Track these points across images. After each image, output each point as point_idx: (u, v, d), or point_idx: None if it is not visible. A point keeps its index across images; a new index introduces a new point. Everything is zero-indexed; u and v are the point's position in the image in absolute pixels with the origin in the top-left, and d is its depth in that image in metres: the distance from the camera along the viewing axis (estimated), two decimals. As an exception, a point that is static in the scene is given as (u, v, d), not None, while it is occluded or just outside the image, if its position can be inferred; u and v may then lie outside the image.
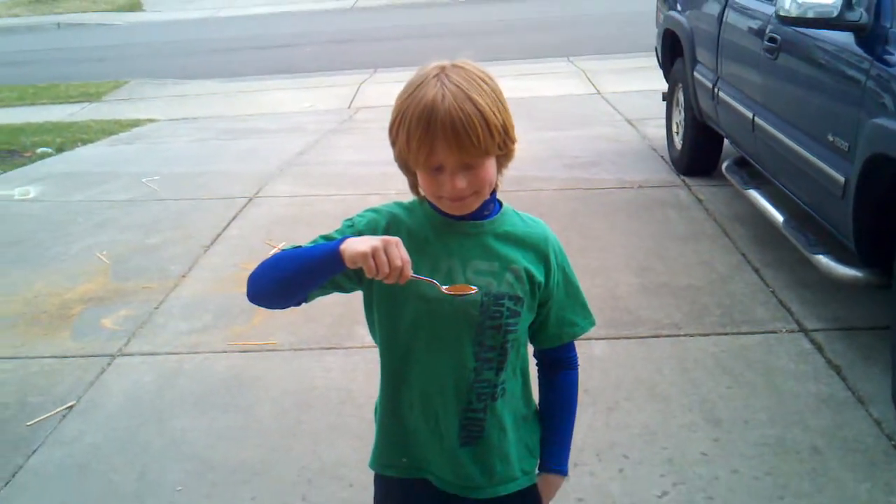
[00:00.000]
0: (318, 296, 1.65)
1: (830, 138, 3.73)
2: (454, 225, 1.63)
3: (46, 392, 3.76)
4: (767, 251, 4.82)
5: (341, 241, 1.48)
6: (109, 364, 3.98)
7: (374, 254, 1.43)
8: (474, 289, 1.57)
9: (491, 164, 1.55)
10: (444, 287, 1.56)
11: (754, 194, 4.90)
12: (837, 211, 3.72)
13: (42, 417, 3.56)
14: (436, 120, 1.47)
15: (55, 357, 4.07)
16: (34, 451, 3.34)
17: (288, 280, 1.58)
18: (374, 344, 1.74)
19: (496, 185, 1.63)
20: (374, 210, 1.67)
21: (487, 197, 1.61)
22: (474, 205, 1.60)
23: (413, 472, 1.75)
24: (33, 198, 6.80)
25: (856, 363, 3.64)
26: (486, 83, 1.53)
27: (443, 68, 1.53)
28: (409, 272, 1.47)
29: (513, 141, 1.57)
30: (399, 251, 1.45)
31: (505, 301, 1.62)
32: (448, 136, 1.47)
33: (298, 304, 1.63)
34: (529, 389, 1.79)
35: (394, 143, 1.58)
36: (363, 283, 1.66)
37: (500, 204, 1.69)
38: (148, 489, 3.08)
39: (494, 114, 1.50)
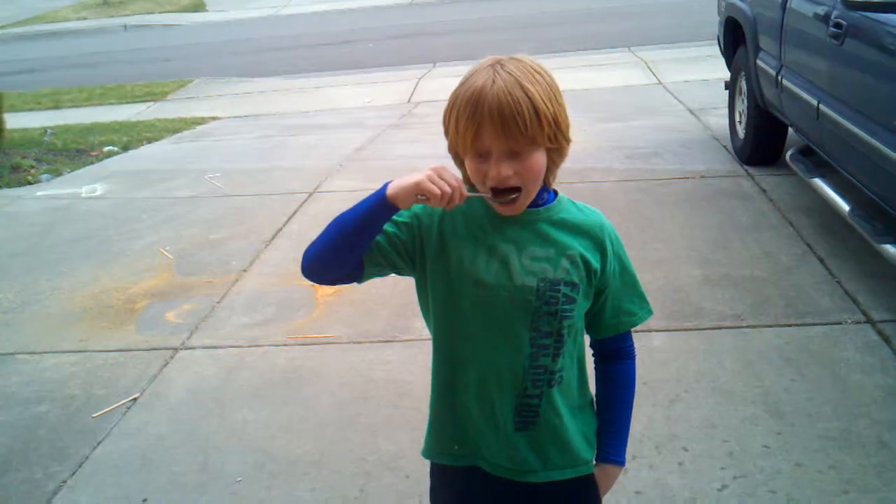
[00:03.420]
0: (374, 275, 1.66)
1: (898, 124, 3.63)
2: None
3: (111, 384, 3.84)
4: (833, 241, 4.72)
5: (385, 186, 1.51)
6: (172, 357, 4.05)
7: (430, 180, 1.47)
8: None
9: (539, 155, 1.54)
10: (494, 202, 1.58)
11: (819, 183, 4.79)
12: (905, 199, 3.62)
13: (107, 409, 3.64)
14: (483, 103, 1.48)
15: (120, 350, 4.16)
16: (100, 441, 3.42)
17: (338, 238, 1.59)
18: (430, 335, 1.74)
19: (550, 180, 1.64)
20: None
21: (533, 195, 1.60)
22: (522, 206, 1.60)
23: (464, 459, 1.75)
24: (100, 195, 6.96)
25: (925, 355, 3.54)
26: (540, 75, 1.53)
27: (499, 60, 1.55)
28: (465, 190, 1.51)
29: (566, 137, 1.57)
30: (451, 172, 1.50)
31: (561, 287, 1.61)
32: (494, 119, 1.48)
33: (351, 277, 1.64)
34: (586, 379, 1.77)
35: (446, 132, 1.60)
36: (416, 268, 1.66)
37: (556, 193, 1.69)
38: (209, 480, 3.13)
39: (545, 104, 1.50)
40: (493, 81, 1.49)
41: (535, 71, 1.53)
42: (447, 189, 1.47)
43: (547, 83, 1.53)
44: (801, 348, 3.67)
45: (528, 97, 1.48)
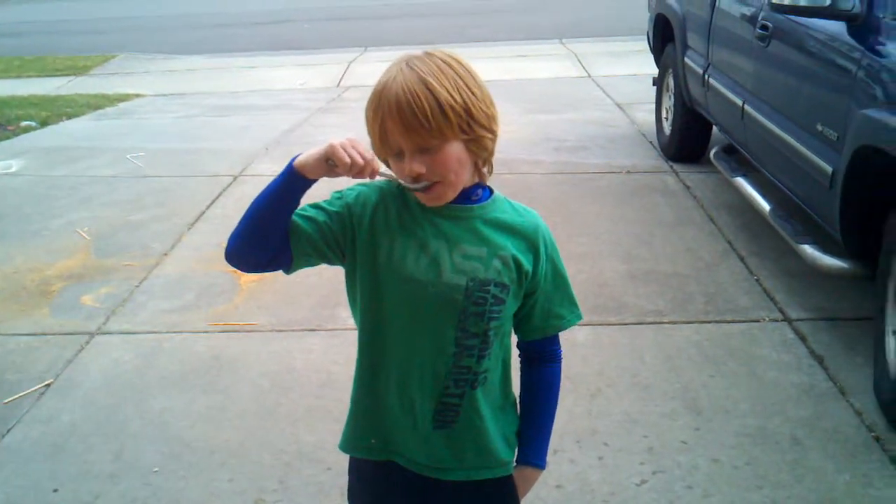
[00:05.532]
0: (302, 265, 1.62)
1: (819, 128, 3.70)
2: (443, 207, 1.59)
3: (24, 369, 3.72)
4: (754, 240, 4.81)
5: (294, 158, 1.51)
6: (88, 342, 3.94)
7: (342, 147, 1.45)
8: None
9: (452, 148, 1.51)
10: (410, 189, 1.55)
11: (742, 182, 4.88)
12: (824, 201, 3.70)
13: (19, 395, 3.52)
14: (384, 100, 1.48)
15: (34, 334, 4.03)
16: (10, 429, 3.30)
17: (254, 218, 1.56)
18: (356, 326, 1.71)
19: (484, 175, 1.61)
20: (364, 185, 1.64)
21: (458, 186, 1.56)
22: (444, 196, 1.56)
23: (381, 454, 1.72)
24: (16, 172, 6.73)
25: (838, 354, 3.63)
26: (450, 67, 1.50)
27: (409, 58, 1.52)
28: (378, 166, 1.49)
29: (484, 127, 1.52)
30: (366, 147, 1.49)
31: (491, 288, 1.59)
32: (394, 115, 1.47)
33: (276, 263, 1.60)
34: (510, 380, 1.76)
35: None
36: (346, 258, 1.63)
37: (491, 191, 1.66)
38: (124, 469, 3.05)
39: (451, 95, 1.47)
40: (395, 79, 1.48)
41: (445, 64, 1.50)
42: (358, 160, 1.45)
43: (457, 73, 1.50)
44: (719, 345, 3.73)
45: (430, 90, 1.45)
